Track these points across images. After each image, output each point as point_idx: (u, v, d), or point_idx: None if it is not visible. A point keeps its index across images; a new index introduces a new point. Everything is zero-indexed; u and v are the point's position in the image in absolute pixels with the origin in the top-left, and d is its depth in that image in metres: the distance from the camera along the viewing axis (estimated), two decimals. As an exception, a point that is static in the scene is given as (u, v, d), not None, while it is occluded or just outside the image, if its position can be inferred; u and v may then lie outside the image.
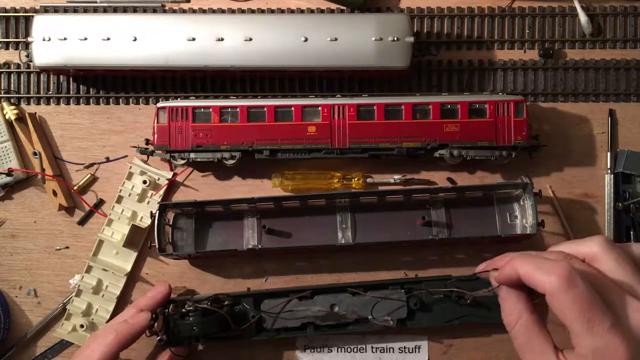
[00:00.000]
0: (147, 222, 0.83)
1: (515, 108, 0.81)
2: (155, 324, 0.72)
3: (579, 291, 0.49)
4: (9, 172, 0.84)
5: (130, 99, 0.88)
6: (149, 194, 0.85)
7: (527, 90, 0.87)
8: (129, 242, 0.83)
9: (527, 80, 0.88)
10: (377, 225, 0.82)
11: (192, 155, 0.82)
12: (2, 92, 0.88)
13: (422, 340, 0.82)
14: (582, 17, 0.87)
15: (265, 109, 0.82)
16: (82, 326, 0.81)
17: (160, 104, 0.82)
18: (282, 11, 0.88)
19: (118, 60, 0.81)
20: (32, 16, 0.84)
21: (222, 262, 0.84)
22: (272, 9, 0.88)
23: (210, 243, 0.82)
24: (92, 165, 0.86)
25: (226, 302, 0.75)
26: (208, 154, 0.82)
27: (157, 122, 0.82)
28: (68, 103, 0.88)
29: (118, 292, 0.83)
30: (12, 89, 0.88)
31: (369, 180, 0.85)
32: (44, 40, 0.81)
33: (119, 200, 0.84)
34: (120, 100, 0.88)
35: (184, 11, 0.88)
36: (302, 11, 0.88)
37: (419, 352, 0.82)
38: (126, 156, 0.86)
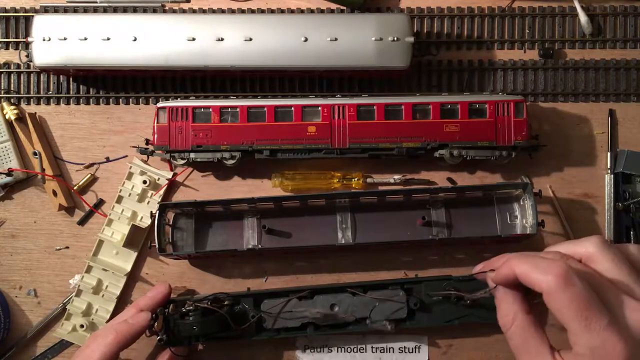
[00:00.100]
0: (147, 222, 0.83)
1: (515, 108, 0.81)
2: (155, 324, 0.72)
3: (576, 290, 0.49)
4: (9, 172, 0.84)
5: (130, 99, 0.88)
6: (149, 194, 0.85)
7: (527, 90, 0.87)
8: (129, 242, 0.83)
9: (527, 80, 0.88)
10: (377, 225, 0.82)
11: (192, 155, 0.82)
12: (2, 92, 0.88)
13: (422, 340, 0.82)
14: (582, 17, 0.87)
15: (265, 109, 0.82)
16: (82, 326, 0.81)
17: (160, 104, 0.82)
18: (282, 11, 0.88)
19: (118, 60, 0.81)
20: (32, 16, 0.84)
21: (222, 262, 0.84)
22: (272, 9, 0.88)
23: (210, 243, 0.82)
24: (92, 165, 0.86)
25: (226, 302, 0.75)
26: (208, 154, 0.82)
27: (157, 122, 0.82)
28: (68, 103, 0.88)
29: (118, 292, 0.83)
30: (12, 89, 0.88)
31: (369, 180, 0.85)
32: (44, 40, 0.81)
33: (119, 200, 0.84)
34: (120, 100, 0.88)
35: (184, 11, 0.88)
36: (302, 11, 0.88)
37: (419, 352, 0.82)
38: (126, 156, 0.86)
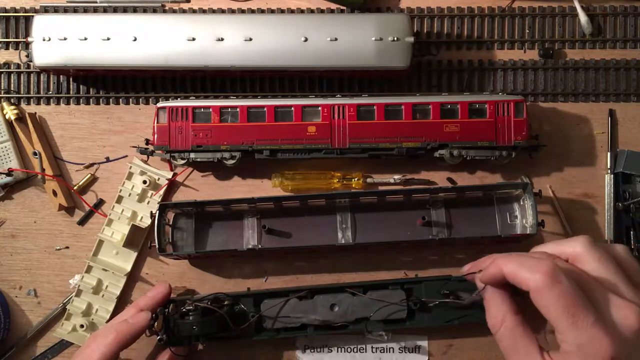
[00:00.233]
0: (147, 222, 0.83)
1: (515, 108, 0.81)
2: (155, 324, 0.72)
3: (562, 287, 0.49)
4: (9, 172, 0.84)
5: (130, 99, 0.88)
6: (149, 194, 0.85)
7: (527, 90, 0.87)
8: (129, 242, 0.83)
9: (527, 80, 0.88)
10: (377, 225, 0.82)
11: (192, 155, 0.82)
12: (2, 92, 0.88)
13: (422, 340, 0.82)
14: (582, 17, 0.87)
15: (265, 109, 0.82)
16: (82, 326, 0.81)
17: (160, 104, 0.83)
18: (282, 11, 0.88)
19: (118, 60, 0.81)
20: (32, 16, 0.84)
21: (222, 262, 0.84)
22: (272, 9, 0.88)
23: (210, 243, 0.82)
24: (92, 165, 0.86)
25: (226, 302, 0.75)
26: (208, 154, 0.82)
27: (157, 122, 0.82)
28: (68, 103, 0.88)
29: (118, 292, 0.83)
30: (12, 89, 0.88)
31: (369, 180, 0.85)
32: (44, 40, 0.81)
33: (119, 200, 0.84)
34: (120, 100, 0.88)
35: (184, 11, 0.88)
36: (302, 11, 0.88)
37: (419, 352, 0.82)
38: (126, 156, 0.86)
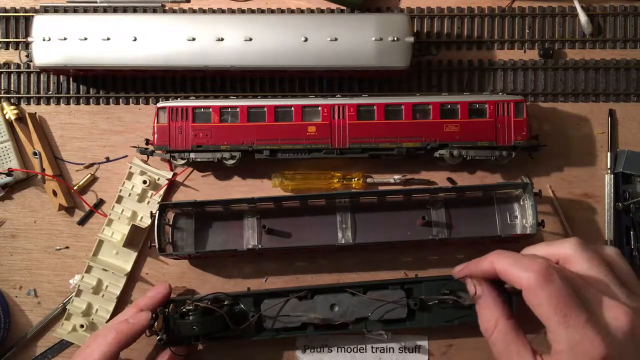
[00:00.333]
0: (147, 222, 0.83)
1: (515, 108, 0.81)
2: (155, 324, 0.72)
3: (555, 287, 0.50)
4: (9, 172, 0.84)
5: (130, 99, 0.88)
6: (149, 194, 0.85)
7: (527, 90, 0.87)
8: (129, 242, 0.83)
9: (527, 80, 0.88)
10: (377, 225, 0.82)
11: (192, 155, 0.82)
12: (2, 92, 0.88)
13: (422, 340, 0.82)
14: (582, 17, 0.87)
15: (265, 109, 0.82)
16: (82, 326, 0.81)
17: (160, 104, 0.83)
18: (282, 11, 0.88)
19: (118, 60, 0.81)
20: (32, 16, 0.84)
21: (222, 262, 0.84)
22: (272, 9, 0.88)
23: (210, 243, 0.82)
24: (92, 165, 0.86)
25: (226, 302, 0.75)
26: (208, 154, 0.82)
27: (157, 122, 0.82)
28: (68, 103, 0.88)
29: (118, 292, 0.83)
30: (12, 89, 0.88)
31: (369, 180, 0.85)
32: (44, 40, 0.81)
33: (119, 200, 0.84)
34: (120, 100, 0.88)
35: (184, 11, 0.88)
36: (302, 11, 0.88)
37: (419, 352, 0.82)
38: (126, 156, 0.86)
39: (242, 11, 0.88)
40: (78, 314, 0.82)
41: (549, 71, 0.88)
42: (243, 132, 0.81)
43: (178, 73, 0.86)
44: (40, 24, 0.81)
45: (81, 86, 0.88)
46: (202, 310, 0.73)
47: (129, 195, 0.84)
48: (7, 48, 0.89)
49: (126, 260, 0.84)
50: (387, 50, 0.80)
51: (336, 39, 0.80)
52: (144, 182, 0.83)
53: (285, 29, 0.81)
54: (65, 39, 0.81)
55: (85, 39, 0.81)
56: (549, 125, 0.87)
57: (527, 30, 0.88)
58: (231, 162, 0.82)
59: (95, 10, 0.88)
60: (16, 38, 0.89)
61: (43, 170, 0.84)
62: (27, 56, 0.84)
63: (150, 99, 0.88)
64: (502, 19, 0.89)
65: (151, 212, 0.81)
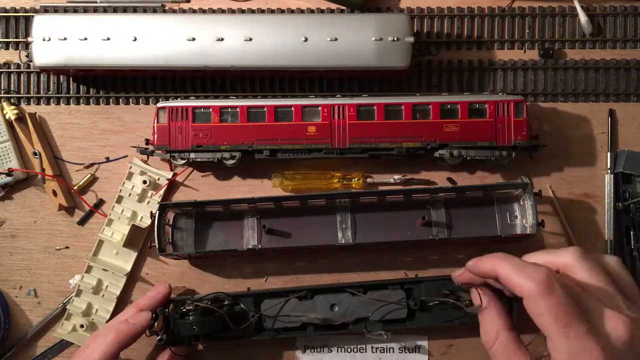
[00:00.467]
0: (147, 222, 0.83)
1: (515, 108, 0.81)
2: (155, 324, 0.72)
3: (556, 297, 0.50)
4: (9, 172, 0.84)
5: (130, 99, 0.88)
6: (149, 194, 0.85)
7: (527, 90, 0.87)
8: (129, 242, 0.83)
9: (527, 80, 0.88)
10: (377, 225, 0.82)
11: (192, 155, 0.82)
12: (2, 92, 0.88)
13: (422, 340, 0.82)
14: (582, 17, 0.87)
15: (265, 109, 0.82)
16: (82, 326, 0.81)
17: (160, 104, 0.83)
18: (282, 11, 0.88)
19: (118, 60, 0.81)
20: (32, 16, 0.84)
21: (222, 262, 0.84)
22: (272, 9, 0.88)
23: (210, 243, 0.82)
24: (92, 165, 0.86)
25: (226, 302, 0.75)
26: (208, 154, 0.82)
27: (157, 122, 0.82)
28: (68, 103, 0.88)
29: (118, 292, 0.83)
30: (12, 89, 0.88)
31: (369, 180, 0.85)
32: (44, 40, 0.81)
33: (119, 200, 0.84)
34: (120, 100, 0.88)
35: (184, 11, 0.88)
36: (302, 11, 0.88)
37: (418, 352, 0.82)
38: (126, 156, 0.86)
39: (242, 11, 0.88)
40: (78, 314, 0.82)
41: (549, 71, 0.88)
42: (243, 132, 0.81)
43: (178, 73, 0.86)
44: (40, 24, 0.81)
45: (81, 86, 0.88)
46: (202, 310, 0.73)
47: (129, 195, 0.84)
48: (7, 48, 0.89)
49: (126, 260, 0.84)
50: (387, 50, 0.80)
51: (336, 39, 0.80)
52: (144, 182, 0.83)
53: (285, 29, 0.81)
54: (65, 39, 0.81)
55: (85, 39, 0.81)
56: (549, 125, 0.87)
57: (527, 30, 0.88)
58: (231, 162, 0.82)
59: (95, 10, 0.88)
60: (16, 38, 0.89)
61: (43, 170, 0.84)
62: (27, 56, 0.84)
63: (150, 99, 0.88)
64: (502, 19, 0.89)
65: (151, 212, 0.81)
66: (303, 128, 0.81)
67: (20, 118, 0.86)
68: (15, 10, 0.89)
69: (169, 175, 0.85)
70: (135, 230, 0.83)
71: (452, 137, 0.81)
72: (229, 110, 0.82)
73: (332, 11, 0.88)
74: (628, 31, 0.88)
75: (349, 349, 0.82)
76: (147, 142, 0.84)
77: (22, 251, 0.85)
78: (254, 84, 0.88)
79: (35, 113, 0.87)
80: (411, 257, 0.84)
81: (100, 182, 0.86)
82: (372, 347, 0.82)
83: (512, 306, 0.65)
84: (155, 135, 0.82)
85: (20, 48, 0.88)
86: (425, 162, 0.85)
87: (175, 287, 0.83)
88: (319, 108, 0.82)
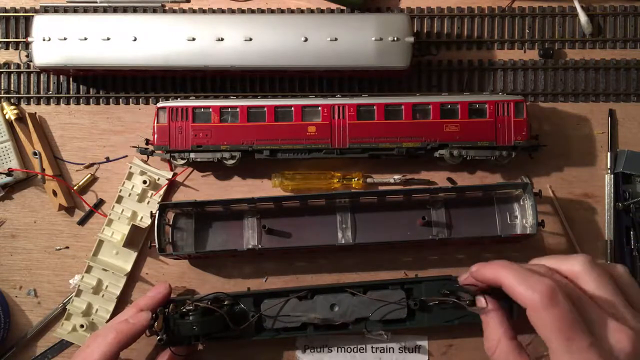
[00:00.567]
0: (147, 222, 0.83)
1: (515, 108, 0.81)
2: (155, 324, 0.72)
3: (560, 310, 0.50)
4: (9, 172, 0.84)
5: (130, 99, 0.88)
6: (149, 194, 0.85)
7: (527, 90, 0.87)
8: (129, 242, 0.83)
9: (527, 80, 0.88)
10: (377, 225, 0.82)
11: (192, 155, 0.82)
12: (2, 92, 0.88)
13: (422, 340, 0.82)
14: (582, 17, 0.87)
15: (265, 109, 0.82)
16: (82, 326, 0.81)
17: (160, 104, 0.83)
18: (282, 11, 0.88)
19: (118, 60, 0.81)
20: (32, 16, 0.84)
21: (222, 262, 0.84)
22: (272, 9, 0.88)
23: (210, 243, 0.82)
24: (92, 165, 0.86)
25: (226, 302, 0.75)
26: (208, 154, 0.82)
27: (157, 122, 0.82)
28: (68, 103, 0.88)
29: (118, 292, 0.83)
30: (12, 89, 0.88)
31: (369, 180, 0.85)
32: (44, 40, 0.81)
33: (119, 200, 0.84)
34: (120, 100, 0.88)
35: (184, 11, 0.88)
36: (302, 11, 0.88)
37: (418, 352, 0.82)
38: (126, 156, 0.86)
39: (242, 11, 0.88)
40: (78, 314, 0.82)
41: (549, 71, 0.88)
42: (243, 132, 0.81)
43: (178, 73, 0.86)
44: (40, 24, 0.81)
45: (81, 86, 0.88)
46: (202, 310, 0.73)
47: (129, 195, 0.84)
48: (7, 48, 0.89)
49: (126, 260, 0.84)
50: (387, 50, 0.80)
51: (336, 39, 0.80)
52: (144, 182, 0.83)
53: (285, 29, 0.81)
54: (65, 39, 0.81)
55: (85, 39, 0.81)
56: (549, 125, 0.87)
57: (527, 30, 0.88)
58: (231, 162, 0.82)
59: (95, 10, 0.88)
60: (16, 38, 0.89)
61: (43, 170, 0.84)
62: (27, 56, 0.84)
63: (150, 99, 0.88)
64: (502, 19, 0.89)
65: (151, 212, 0.81)
66: (303, 128, 0.81)
67: (20, 118, 0.86)
68: (15, 10, 0.89)
69: (169, 175, 0.85)
70: (135, 230, 0.83)
71: (452, 137, 0.81)
72: (229, 110, 0.82)
73: (332, 11, 0.88)
74: (628, 31, 0.88)
75: (349, 349, 0.82)
76: (147, 142, 0.84)
77: (22, 251, 0.85)
78: (254, 84, 0.88)
79: (35, 113, 0.87)
80: (411, 257, 0.84)
81: (100, 182, 0.86)
82: (372, 347, 0.82)
83: (513, 307, 0.64)
84: (155, 135, 0.82)
85: (20, 48, 0.88)
86: (425, 162, 0.85)
87: (175, 287, 0.83)
88: (319, 108, 0.82)
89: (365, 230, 0.82)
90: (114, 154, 0.86)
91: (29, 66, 0.88)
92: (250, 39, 0.81)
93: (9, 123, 0.86)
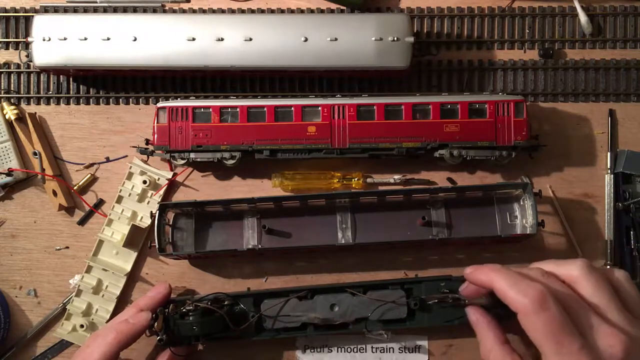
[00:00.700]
0: (147, 222, 0.83)
1: (515, 108, 0.81)
2: (155, 324, 0.72)
3: (550, 314, 0.50)
4: (9, 172, 0.84)
5: (130, 99, 0.88)
6: (149, 194, 0.85)
7: (527, 90, 0.87)
8: (129, 242, 0.83)
9: (527, 80, 0.88)
10: (377, 225, 0.82)
11: (192, 155, 0.82)
12: (2, 92, 0.88)
13: (422, 340, 0.82)
14: (582, 17, 0.87)
15: (265, 109, 0.82)
16: (82, 326, 0.81)
17: (160, 104, 0.83)
18: (282, 11, 0.88)
19: (118, 60, 0.81)
20: (32, 16, 0.84)
21: (222, 262, 0.84)
22: (272, 9, 0.88)
23: (210, 243, 0.82)
24: (92, 165, 0.86)
25: (226, 302, 0.75)
26: (208, 154, 0.82)
27: (157, 122, 0.82)
28: (68, 103, 0.88)
29: (118, 292, 0.83)
30: (12, 89, 0.88)
31: (369, 180, 0.85)
32: (44, 40, 0.81)
33: (119, 200, 0.84)
34: (120, 100, 0.88)
35: (184, 11, 0.88)
36: (302, 11, 0.88)
37: (418, 352, 0.82)
38: (126, 156, 0.86)
39: (242, 11, 0.88)
40: (78, 314, 0.82)
41: (549, 71, 0.88)
42: (243, 132, 0.81)
43: (178, 73, 0.86)
44: (40, 24, 0.81)
45: (81, 86, 0.88)
46: (202, 310, 0.73)
47: (129, 195, 0.84)
48: (7, 48, 0.89)
49: (126, 260, 0.84)
50: (387, 50, 0.80)
51: (336, 39, 0.80)
52: (144, 182, 0.83)
53: (285, 29, 0.81)
54: (65, 39, 0.81)
55: (85, 39, 0.81)
56: (549, 125, 0.87)
57: (527, 30, 0.88)
58: (231, 162, 0.82)
59: (95, 10, 0.88)
60: (16, 38, 0.89)
61: (43, 170, 0.84)
62: (27, 56, 0.84)
63: (150, 99, 0.88)
64: (502, 19, 0.89)
65: (151, 212, 0.81)
66: (303, 128, 0.81)
67: (20, 118, 0.86)
68: (15, 10, 0.89)
69: (169, 175, 0.85)
70: (135, 230, 0.83)
71: (452, 137, 0.81)
72: (229, 110, 0.82)
73: (332, 11, 0.88)
74: (628, 31, 0.88)
75: (349, 349, 0.82)
76: (147, 142, 0.84)
77: (22, 251, 0.85)
78: (254, 84, 0.88)
79: (35, 113, 0.87)
80: (411, 257, 0.84)
81: (100, 182, 0.86)
82: (372, 347, 0.82)
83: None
84: (155, 135, 0.82)
85: (20, 48, 0.88)
86: (425, 162, 0.85)
87: (175, 287, 0.83)
88: (319, 108, 0.82)
89: (365, 230, 0.82)
90: (114, 154, 0.86)
91: (29, 66, 0.88)
92: (250, 39, 0.81)
93: (9, 123, 0.86)
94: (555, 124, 0.87)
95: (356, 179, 0.85)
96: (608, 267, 0.82)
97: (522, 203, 0.81)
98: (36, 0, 0.89)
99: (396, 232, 0.82)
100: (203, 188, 0.86)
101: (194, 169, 0.86)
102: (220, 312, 0.73)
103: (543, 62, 0.88)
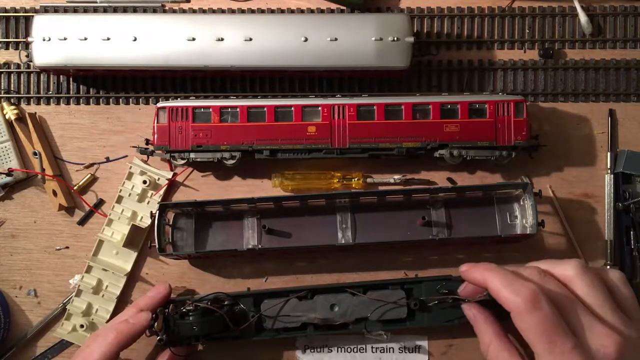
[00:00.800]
0: (147, 222, 0.83)
1: (515, 108, 0.81)
2: (155, 324, 0.72)
3: (542, 313, 0.51)
4: (9, 172, 0.84)
5: (130, 99, 0.88)
6: (149, 194, 0.85)
7: (527, 90, 0.87)
8: (129, 242, 0.83)
9: (527, 80, 0.88)
10: (377, 225, 0.82)
11: (192, 155, 0.82)
12: (2, 92, 0.88)
13: (422, 340, 0.82)
14: (582, 17, 0.87)
15: (265, 109, 0.82)
16: (82, 326, 0.81)
17: (160, 104, 0.83)
18: (282, 11, 0.88)
19: (118, 60, 0.81)
20: (32, 16, 0.84)
21: (222, 262, 0.84)
22: (272, 9, 0.88)
23: (210, 243, 0.82)
24: (92, 165, 0.86)
25: (226, 302, 0.75)
26: (208, 154, 0.82)
27: (157, 122, 0.82)
28: (68, 103, 0.88)
29: (118, 292, 0.83)
30: (12, 89, 0.88)
31: (369, 180, 0.86)
32: (44, 40, 0.81)
33: (119, 200, 0.84)
34: (120, 100, 0.88)
35: (184, 11, 0.88)
36: (302, 11, 0.88)
37: (418, 352, 0.82)
38: (126, 156, 0.86)
39: (242, 11, 0.88)
40: (78, 314, 0.82)
41: (549, 71, 0.88)
42: (243, 132, 0.81)
43: (178, 73, 0.86)
44: (40, 24, 0.81)
45: (81, 86, 0.88)
46: (202, 310, 0.73)
47: (129, 195, 0.84)
48: (7, 48, 0.89)
49: (126, 260, 0.84)
50: (387, 50, 0.80)
51: (336, 39, 0.80)
52: (144, 182, 0.83)
53: (285, 29, 0.81)
54: (65, 39, 0.81)
55: (85, 39, 0.81)
56: (549, 125, 0.87)
57: (527, 30, 0.88)
58: (231, 162, 0.82)
59: (95, 10, 0.88)
60: (16, 38, 0.89)
61: (43, 170, 0.84)
62: (27, 56, 0.84)
63: (150, 99, 0.88)
64: (502, 19, 0.89)
65: (151, 212, 0.81)
66: (303, 128, 0.81)
67: (20, 118, 0.86)
68: (15, 10, 0.89)
69: (169, 175, 0.85)
70: (135, 230, 0.83)
71: (452, 137, 0.81)
72: (229, 110, 0.82)
73: (332, 11, 0.88)
74: (628, 31, 0.88)
75: (349, 349, 0.82)
76: (147, 142, 0.84)
77: (22, 251, 0.85)
78: (254, 84, 0.88)
79: (35, 113, 0.87)
80: (411, 257, 0.84)
81: (100, 182, 0.86)
82: (372, 347, 0.82)
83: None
84: (155, 135, 0.82)
85: (20, 48, 0.88)
86: (425, 162, 0.85)
87: (175, 287, 0.83)
88: (319, 108, 0.82)
89: (365, 230, 0.82)
90: (114, 154, 0.87)
91: (29, 66, 0.88)
92: (250, 39, 0.81)
93: (9, 123, 0.86)
94: (555, 124, 0.87)
95: (356, 179, 0.85)
96: (608, 267, 0.82)
97: (522, 203, 0.81)
98: (36, 0, 0.89)
99: (396, 232, 0.82)
100: (203, 188, 0.86)
101: (194, 169, 0.86)
102: (220, 312, 0.73)
103: (543, 62, 0.88)
